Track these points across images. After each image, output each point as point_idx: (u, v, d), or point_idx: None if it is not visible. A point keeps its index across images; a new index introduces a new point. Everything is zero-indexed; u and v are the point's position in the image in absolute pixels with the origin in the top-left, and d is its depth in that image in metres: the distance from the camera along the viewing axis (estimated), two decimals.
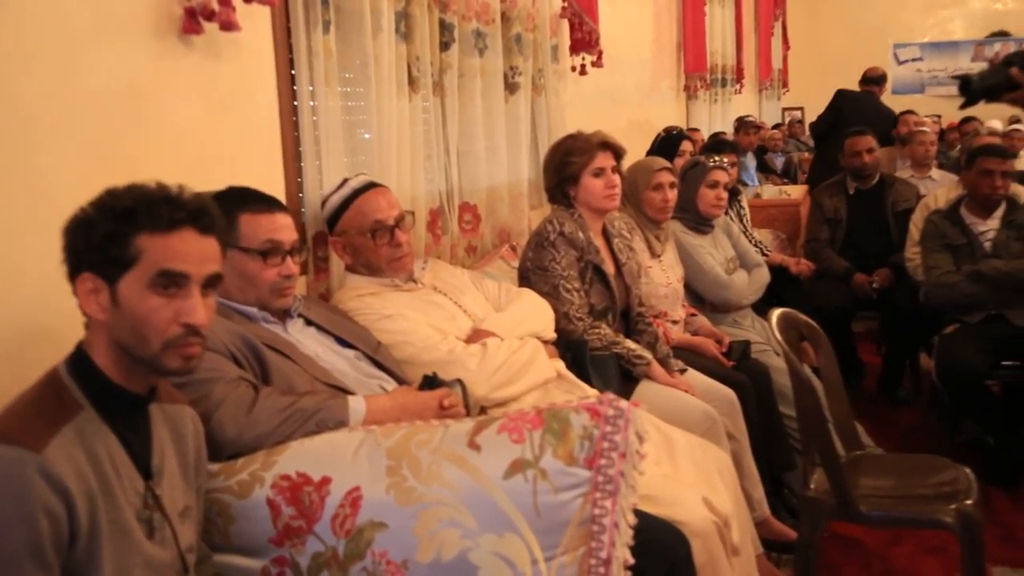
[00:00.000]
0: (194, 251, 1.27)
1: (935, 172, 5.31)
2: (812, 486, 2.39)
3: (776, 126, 8.89)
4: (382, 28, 2.43)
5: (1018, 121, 7.36)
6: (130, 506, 1.24)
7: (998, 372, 3.36)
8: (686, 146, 4.07)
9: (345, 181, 2.26)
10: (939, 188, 4.44)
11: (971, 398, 3.31)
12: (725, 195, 3.42)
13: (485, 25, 3.04)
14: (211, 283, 1.30)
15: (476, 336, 2.17)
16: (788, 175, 7.53)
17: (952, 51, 13.72)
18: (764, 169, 7.31)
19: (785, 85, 11.32)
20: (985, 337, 3.38)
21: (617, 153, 2.69)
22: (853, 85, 6.77)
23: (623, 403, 1.50)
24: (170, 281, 1.25)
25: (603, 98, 4.56)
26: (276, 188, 2.19)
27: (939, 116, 9.07)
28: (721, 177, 3.37)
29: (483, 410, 2.05)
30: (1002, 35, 13.61)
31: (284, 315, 1.87)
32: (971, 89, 2.50)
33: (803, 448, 2.48)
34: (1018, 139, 6.48)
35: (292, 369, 1.72)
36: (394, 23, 2.49)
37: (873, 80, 6.86)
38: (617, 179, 2.67)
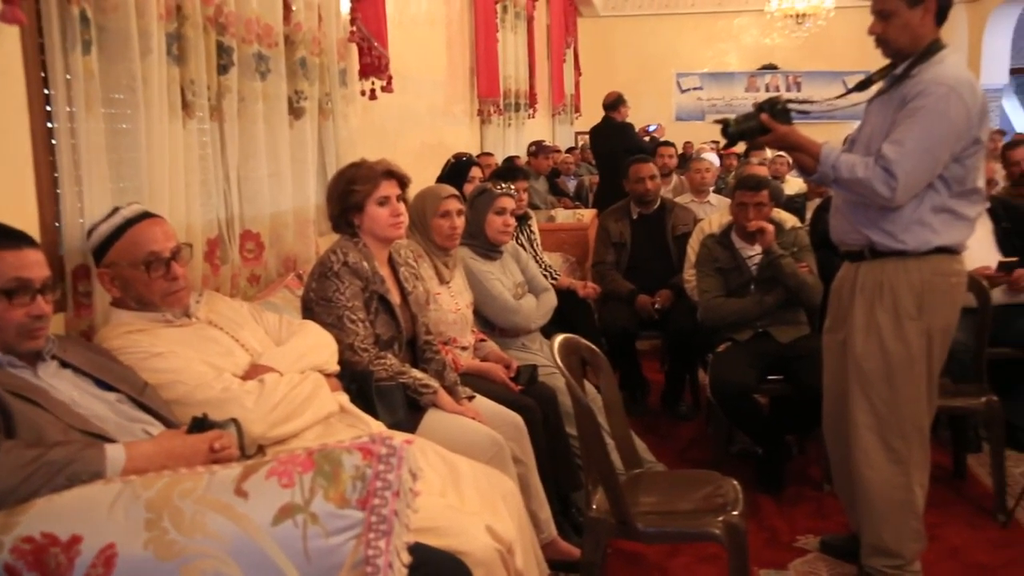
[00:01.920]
0: None
1: (713, 197, 5.67)
2: (595, 506, 2.47)
3: (569, 150, 9.23)
4: (151, 50, 2.31)
5: None
6: None
7: (764, 386, 3.62)
8: (475, 172, 4.13)
9: (116, 210, 2.13)
10: (715, 213, 4.74)
11: (740, 411, 3.54)
12: (513, 221, 3.50)
13: (267, 48, 2.96)
14: None
15: (254, 372, 2.10)
16: (580, 198, 7.82)
17: (728, 81, 14.77)
18: (557, 192, 7.56)
19: (578, 110, 11.79)
20: (753, 354, 3.63)
21: (402, 181, 2.69)
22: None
23: (396, 441, 1.49)
24: None
25: (396, 121, 4.56)
26: (28, 219, 2.03)
27: (716, 142, 9.70)
28: (508, 204, 3.44)
29: (261, 449, 1.98)
30: (771, 68, 14.80)
31: (35, 358, 1.73)
32: (728, 133, 2.69)
33: (585, 469, 2.56)
34: (781, 164, 6.95)
35: (42, 418, 1.60)
36: (165, 45, 2.38)
37: (609, 105, 7.20)
38: (402, 208, 2.67)
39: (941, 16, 2.55)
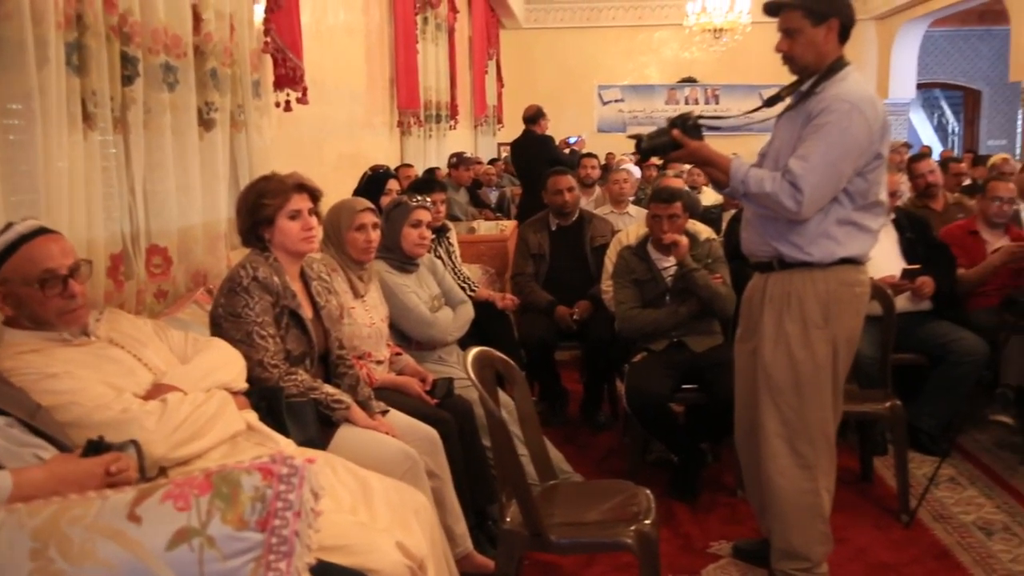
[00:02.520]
0: None
1: (632, 208, 5.74)
2: (508, 518, 2.48)
3: (492, 161, 9.25)
4: (49, 60, 2.24)
5: None
6: None
7: (679, 395, 3.68)
8: (392, 185, 4.11)
9: (10, 225, 2.05)
10: (633, 224, 4.80)
11: (656, 420, 3.58)
12: (429, 234, 3.49)
13: (176, 59, 2.90)
14: None
15: (156, 391, 2.05)
16: (502, 209, 7.84)
17: (649, 93, 15.00)
18: (478, 204, 7.57)
19: (500, 121, 11.83)
20: (668, 363, 3.69)
21: (314, 195, 2.66)
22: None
23: (298, 460, 1.47)
24: None
25: (314, 132, 4.51)
26: None
27: (636, 153, 9.81)
28: (424, 216, 3.43)
29: (164, 471, 1.94)
30: (690, 81, 15.09)
31: None
32: (641, 148, 2.74)
33: (499, 482, 2.56)
34: (698, 175, 7.06)
35: None
36: (64, 55, 2.31)
37: (529, 119, 7.27)
38: (314, 221, 2.64)
39: (844, 35, 2.64)
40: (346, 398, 2.56)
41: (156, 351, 2.20)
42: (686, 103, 14.89)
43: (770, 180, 2.58)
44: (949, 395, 4.00)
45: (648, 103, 14.83)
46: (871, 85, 14.37)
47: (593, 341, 4.30)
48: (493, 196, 8.11)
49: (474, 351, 2.48)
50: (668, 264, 3.89)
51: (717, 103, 14.94)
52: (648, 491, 2.63)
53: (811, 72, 2.66)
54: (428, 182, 4.26)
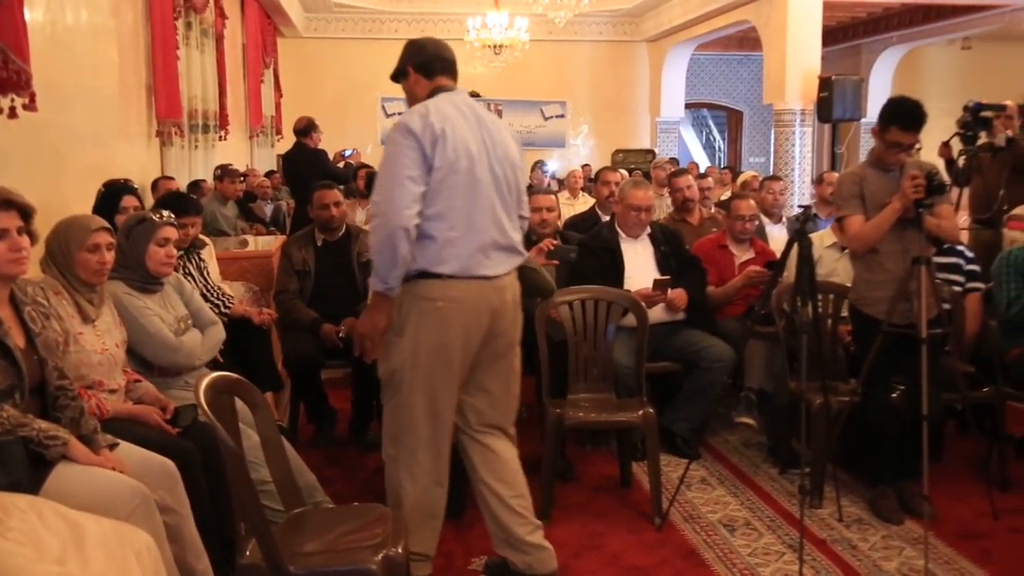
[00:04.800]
0: None
1: None
2: (248, 552, 2.36)
3: (268, 174, 8.94)
4: None
5: None
6: None
7: None
8: (129, 201, 3.82)
9: None
10: None
11: None
12: (175, 252, 3.29)
13: None
14: None
15: None
16: (277, 224, 7.58)
17: None
18: (250, 218, 7.28)
19: (279, 132, 11.48)
20: None
21: (24, 211, 2.42)
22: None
23: None
24: None
25: (57, 142, 4.15)
26: None
27: None
28: (171, 234, 3.23)
29: None
30: (474, 95, 15.24)
31: None
32: None
33: (236, 515, 2.43)
34: None
35: None
36: None
37: (301, 131, 7.16)
38: (25, 241, 2.40)
39: (426, 71, 2.89)
40: (63, 433, 2.33)
41: None
42: None
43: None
44: (700, 400, 4.22)
45: None
46: (643, 103, 15.24)
47: (360, 358, 4.20)
48: (268, 210, 7.83)
49: (208, 378, 2.35)
50: None
51: (500, 117, 15.20)
52: (400, 515, 2.58)
53: None
54: (181, 201, 4.01)
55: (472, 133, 2.78)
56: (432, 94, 2.82)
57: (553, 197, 5.10)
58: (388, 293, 2.73)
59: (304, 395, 4.37)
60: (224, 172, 6.56)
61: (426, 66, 2.89)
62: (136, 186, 4.44)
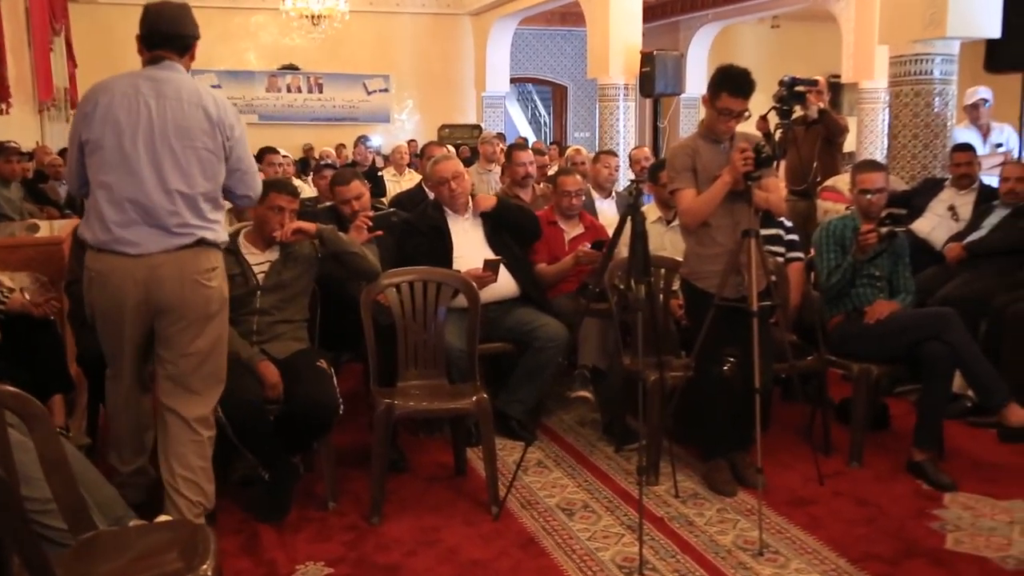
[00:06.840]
0: None
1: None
2: None
3: (63, 151, 8.15)
4: None
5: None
6: None
7: (271, 406, 3.36)
8: None
9: None
10: None
11: (253, 432, 3.25)
12: None
13: None
14: None
15: None
16: (73, 207, 6.87)
17: (249, 80, 14.37)
18: (42, 200, 6.58)
19: (75, 106, 10.54)
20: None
21: None
22: None
23: None
24: None
25: None
26: None
27: None
28: None
29: None
30: (292, 68, 14.69)
31: None
32: None
33: (8, 549, 2.07)
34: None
35: None
36: None
37: None
38: None
39: (146, 43, 2.92)
40: None
41: None
42: (288, 91, 14.47)
43: None
44: (535, 381, 4.10)
45: (248, 90, 14.18)
46: (468, 78, 15.08)
47: None
48: (63, 191, 7.11)
49: None
50: (263, 260, 3.56)
51: (321, 92, 14.70)
52: (209, 529, 2.30)
53: None
54: None
55: (130, 108, 2.82)
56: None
57: (360, 185, 4.32)
58: None
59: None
60: (2, 150, 5.84)
61: (146, 38, 2.93)
62: None
